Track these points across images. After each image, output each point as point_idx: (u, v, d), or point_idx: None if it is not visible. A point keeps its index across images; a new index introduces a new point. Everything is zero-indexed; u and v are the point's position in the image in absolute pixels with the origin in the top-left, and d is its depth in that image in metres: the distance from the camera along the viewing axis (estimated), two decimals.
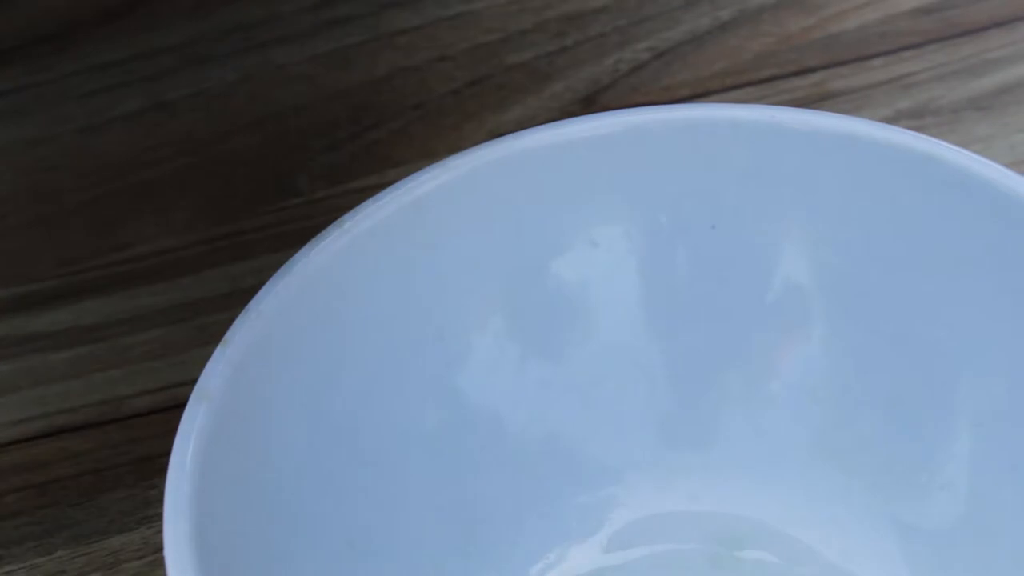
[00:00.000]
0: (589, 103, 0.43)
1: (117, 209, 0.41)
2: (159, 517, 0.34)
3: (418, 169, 0.33)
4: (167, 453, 0.29)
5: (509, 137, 0.33)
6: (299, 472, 0.32)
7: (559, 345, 0.35)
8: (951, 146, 0.33)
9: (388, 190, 0.33)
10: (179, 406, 0.30)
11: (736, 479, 0.35)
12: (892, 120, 0.42)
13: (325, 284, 0.32)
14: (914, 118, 0.42)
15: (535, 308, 0.35)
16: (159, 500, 0.29)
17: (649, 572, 0.34)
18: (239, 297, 0.39)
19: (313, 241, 0.32)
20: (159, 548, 0.35)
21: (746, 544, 0.35)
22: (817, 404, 0.35)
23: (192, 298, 0.40)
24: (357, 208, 0.33)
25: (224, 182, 0.42)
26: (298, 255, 0.32)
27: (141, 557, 0.35)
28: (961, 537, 0.33)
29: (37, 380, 0.38)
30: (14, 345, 0.39)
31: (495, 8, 0.46)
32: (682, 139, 0.34)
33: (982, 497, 0.33)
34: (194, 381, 0.30)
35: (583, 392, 0.35)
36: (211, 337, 0.38)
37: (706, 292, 0.35)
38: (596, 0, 0.46)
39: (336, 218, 0.33)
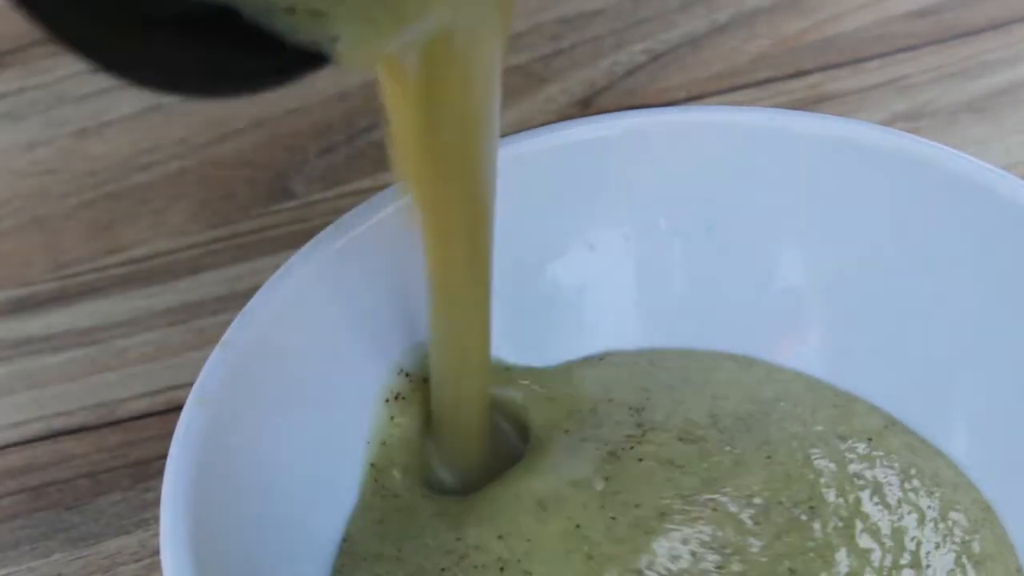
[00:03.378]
0: (585, 105, 0.43)
1: (113, 212, 0.41)
2: (156, 520, 0.34)
3: None
4: (164, 456, 0.29)
5: (505, 140, 0.33)
6: (296, 474, 0.32)
7: (556, 348, 0.35)
8: (947, 148, 0.33)
9: (384, 192, 0.33)
10: (176, 409, 0.30)
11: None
12: (888, 122, 0.42)
13: (322, 286, 0.32)
14: (910, 120, 0.42)
15: (532, 311, 0.35)
16: (156, 503, 0.28)
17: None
18: (236, 300, 0.39)
19: (310, 243, 0.32)
20: (156, 551, 0.35)
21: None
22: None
23: (188, 301, 0.40)
24: (353, 210, 0.33)
25: (220, 185, 0.42)
26: (295, 257, 0.32)
27: (138, 560, 0.35)
28: None
29: (33, 383, 0.38)
30: (10, 348, 0.39)
31: None
32: (679, 142, 0.34)
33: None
34: (191, 384, 0.30)
35: None
36: (208, 340, 0.38)
37: (703, 295, 0.35)
38: (592, 2, 0.46)
39: (332, 220, 0.33)
